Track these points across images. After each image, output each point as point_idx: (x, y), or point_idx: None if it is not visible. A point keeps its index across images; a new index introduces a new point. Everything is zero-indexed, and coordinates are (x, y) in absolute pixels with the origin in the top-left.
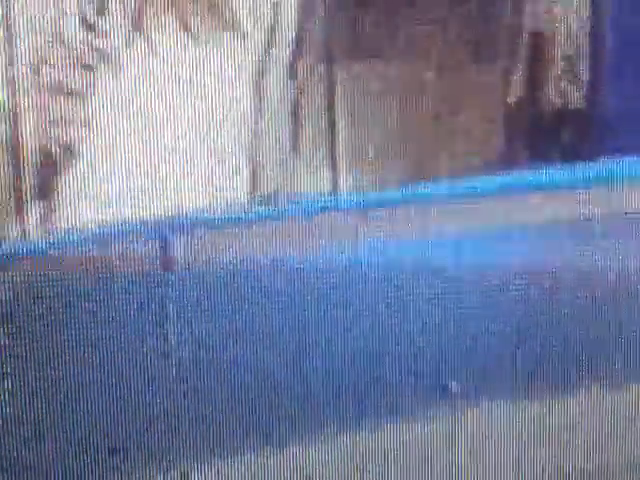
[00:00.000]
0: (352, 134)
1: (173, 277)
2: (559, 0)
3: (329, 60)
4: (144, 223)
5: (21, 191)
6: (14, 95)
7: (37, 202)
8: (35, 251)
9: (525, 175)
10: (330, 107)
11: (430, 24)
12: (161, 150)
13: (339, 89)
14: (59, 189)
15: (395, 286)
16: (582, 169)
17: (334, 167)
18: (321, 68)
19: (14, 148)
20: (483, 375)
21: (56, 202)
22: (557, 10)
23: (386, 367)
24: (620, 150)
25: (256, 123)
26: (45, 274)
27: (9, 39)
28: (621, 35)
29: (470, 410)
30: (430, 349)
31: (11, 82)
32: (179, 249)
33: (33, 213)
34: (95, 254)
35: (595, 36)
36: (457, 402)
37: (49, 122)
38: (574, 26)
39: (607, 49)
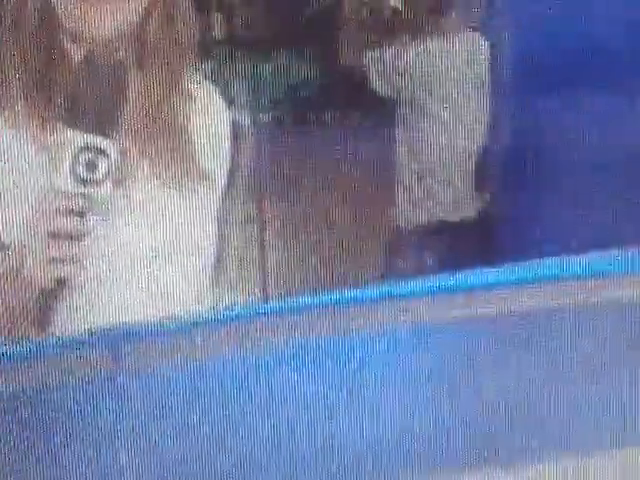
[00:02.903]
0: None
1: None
2: None
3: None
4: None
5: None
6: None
7: (35, 324)
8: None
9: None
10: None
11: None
12: (137, 275)
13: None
14: (52, 317)
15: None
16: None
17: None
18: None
19: (17, 283)
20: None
21: (50, 323)
22: None
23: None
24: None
25: (218, 249)
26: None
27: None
28: None
29: None
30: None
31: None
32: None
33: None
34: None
35: None
36: None
37: (46, 261)
38: None
39: None
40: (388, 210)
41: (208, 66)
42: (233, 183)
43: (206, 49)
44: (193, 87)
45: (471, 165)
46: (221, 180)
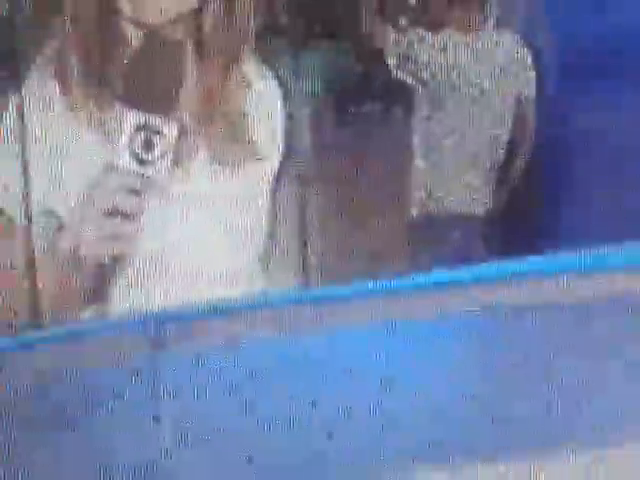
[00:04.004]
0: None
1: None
2: None
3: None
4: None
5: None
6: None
7: (92, 301)
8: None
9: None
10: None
11: None
12: (188, 255)
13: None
14: (109, 294)
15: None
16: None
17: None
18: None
19: (74, 258)
20: None
21: (106, 301)
22: None
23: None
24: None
25: (271, 230)
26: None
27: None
28: None
29: None
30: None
31: (75, 206)
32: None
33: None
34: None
35: None
36: None
37: (102, 238)
38: None
39: None
40: (405, 201)
41: (264, 52)
42: (284, 167)
43: (262, 35)
44: (250, 72)
45: (489, 161)
46: (275, 162)
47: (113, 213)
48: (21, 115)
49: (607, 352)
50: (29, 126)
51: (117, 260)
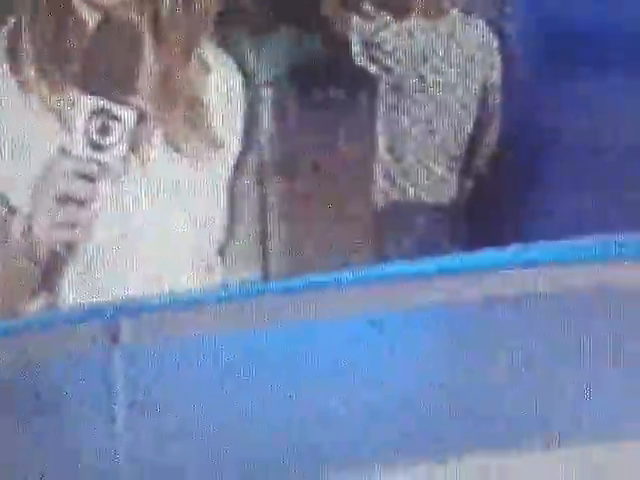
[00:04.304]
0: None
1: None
2: None
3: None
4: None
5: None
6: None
7: (42, 290)
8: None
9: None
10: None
11: None
12: (146, 243)
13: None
14: (60, 281)
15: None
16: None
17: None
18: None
19: (29, 247)
20: None
21: (56, 290)
22: None
23: None
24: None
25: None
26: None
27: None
28: None
29: None
30: None
31: (26, 191)
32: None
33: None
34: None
35: None
36: None
37: (55, 225)
38: None
39: None
40: (368, 189)
41: (223, 35)
42: (244, 154)
43: (222, 18)
44: (209, 55)
45: (454, 150)
46: (234, 150)
47: (66, 199)
48: None
49: (576, 341)
50: None
51: (70, 248)
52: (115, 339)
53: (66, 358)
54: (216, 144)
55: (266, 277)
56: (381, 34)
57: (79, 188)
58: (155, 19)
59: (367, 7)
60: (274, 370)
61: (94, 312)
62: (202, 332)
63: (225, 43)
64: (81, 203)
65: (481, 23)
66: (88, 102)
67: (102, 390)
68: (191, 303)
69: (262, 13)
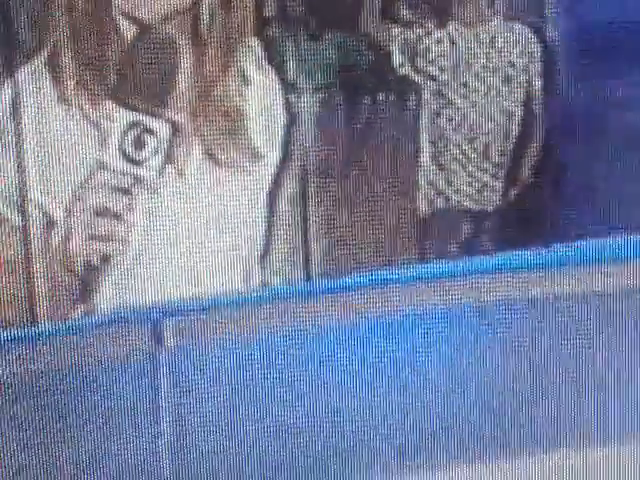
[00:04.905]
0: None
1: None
2: None
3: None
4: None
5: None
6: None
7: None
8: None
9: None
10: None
11: None
12: (185, 253)
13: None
14: (96, 292)
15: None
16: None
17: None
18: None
19: (59, 258)
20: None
21: (93, 300)
22: None
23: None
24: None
25: (268, 229)
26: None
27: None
28: None
29: None
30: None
31: (60, 204)
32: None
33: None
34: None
35: None
36: None
37: (91, 237)
38: None
39: None
40: (413, 196)
41: (264, 46)
42: (285, 164)
43: (262, 29)
44: (249, 67)
45: (498, 157)
46: (274, 161)
47: (102, 212)
48: (16, 109)
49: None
50: (23, 120)
51: (105, 260)
52: (159, 341)
53: (111, 360)
54: (255, 156)
55: (308, 280)
56: (423, 42)
57: (115, 201)
58: (195, 32)
59: (407, 15)
60: (316, 369)
61: (138, 315)
62: (243, 333)
63: (267, 52)
64: (117, 216)
65: (523, 30)
66: (123, 115)
67: (148, 391)
68: (232, 305)
69: (305, 20)
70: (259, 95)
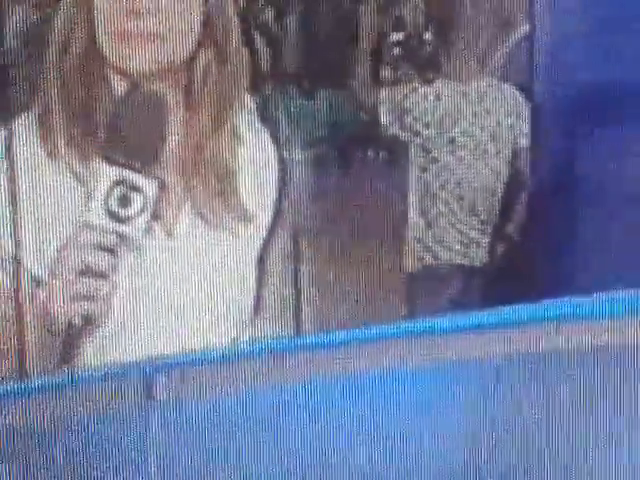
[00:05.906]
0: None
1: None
2: None
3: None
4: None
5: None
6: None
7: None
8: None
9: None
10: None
11: None
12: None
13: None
14: (78, 352)
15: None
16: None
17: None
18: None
19: (42, 317)
20: None
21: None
22: None
23: None
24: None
25: (258, 291)
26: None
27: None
28: None
29: None
30: None
31: (42, 263)
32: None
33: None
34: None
35: None
36: None
37: (73, 297)
38: None
39: None
40: (401, 252)
41: (257, 103)
42: (276, 225)
43: (255, 86)
44: (241, 125)
45: (485, 214)
46: (265, 222)
47: (85, 271)
48: (10, 167)
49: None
50: (16, 173)
51: (87, 320)
52: (150, 395)
53: (102, 414)
54: (246, 217)
55: (298, 334)
56: (409, 99)
57: (99, 260)
58: (188, 89)
59: (395, 74)
60: (308, 422)
61: (128, 369)
62: (235, 387)
63: (260, 110)
64: (100, 275)
65: (511, 88)
66: (109, 172)
67: (137, 445)
68: (223, 359)
69: (298, 79)
70: (251, 155)
